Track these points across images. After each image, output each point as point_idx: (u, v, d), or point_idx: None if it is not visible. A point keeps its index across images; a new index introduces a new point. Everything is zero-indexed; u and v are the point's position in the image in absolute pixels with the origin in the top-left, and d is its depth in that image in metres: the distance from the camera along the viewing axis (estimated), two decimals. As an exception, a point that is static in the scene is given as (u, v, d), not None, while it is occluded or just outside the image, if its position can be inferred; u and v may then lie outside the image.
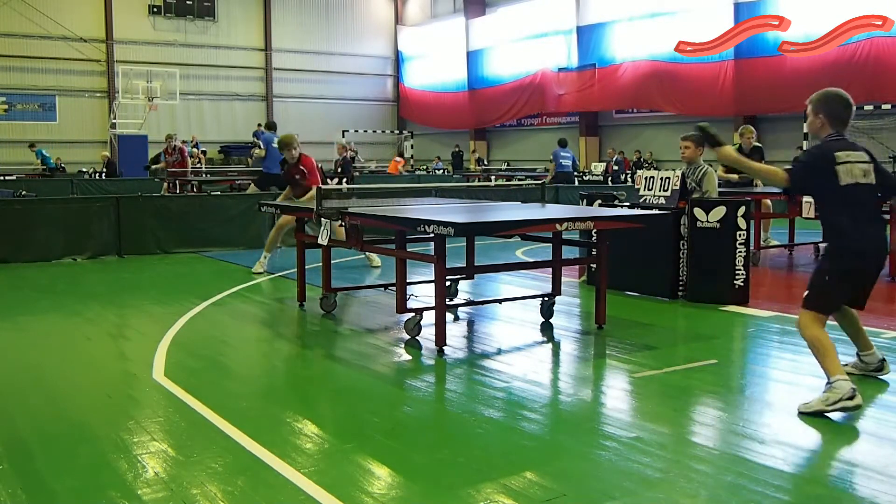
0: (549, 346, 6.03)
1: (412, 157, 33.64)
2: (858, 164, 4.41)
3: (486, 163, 30.98)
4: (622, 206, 8.02)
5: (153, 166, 20.86)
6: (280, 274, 9.19)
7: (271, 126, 15.24)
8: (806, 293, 4.48)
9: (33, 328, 6.69)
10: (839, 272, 4.43)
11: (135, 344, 6.25)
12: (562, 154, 18.81)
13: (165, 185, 18.57)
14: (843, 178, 4.36)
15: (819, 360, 4.30)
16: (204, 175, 21.86)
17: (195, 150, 28.20)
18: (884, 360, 4.85)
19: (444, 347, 5.56)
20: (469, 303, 7.40)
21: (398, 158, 29.88)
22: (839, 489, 3.28)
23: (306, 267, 7.26)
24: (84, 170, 26.19)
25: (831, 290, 4.44)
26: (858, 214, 4.40)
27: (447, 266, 5.51)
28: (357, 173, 21.19)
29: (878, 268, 4.57)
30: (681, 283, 7.52)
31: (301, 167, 9.08)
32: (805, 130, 20.70)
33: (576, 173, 19.93)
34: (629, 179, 20.39)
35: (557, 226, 5.57)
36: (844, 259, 4.42)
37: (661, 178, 7.84)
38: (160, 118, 28.35)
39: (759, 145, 10.47)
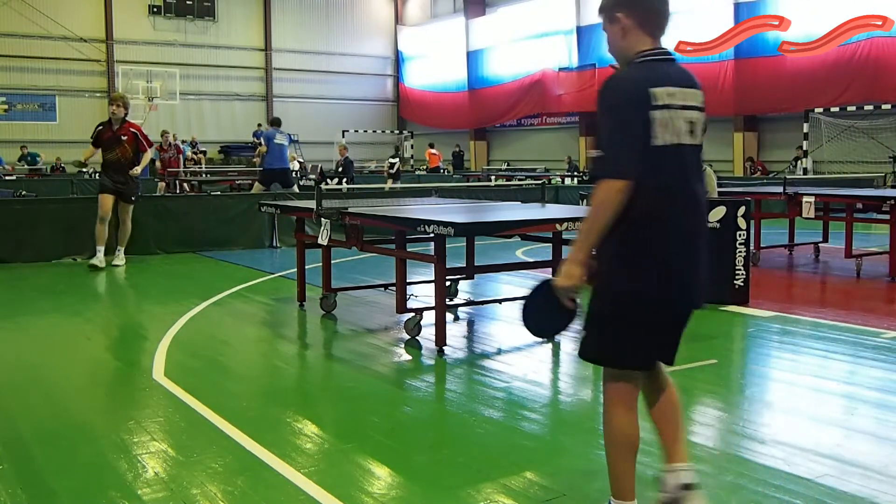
0: (549, 346, 6.02)
1: (412, 156, 33.64)
2: (682, 111, 2.68)
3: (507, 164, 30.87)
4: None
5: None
6: (280, 274, 9.19)
7: (276, 122, 15.12)
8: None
9: (33, 328, 6.69)
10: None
11: (135, 344, 6.25)
12: None
13: (163, 184, 18.58)
14: (661, 132, 2.64)
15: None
16: (204, 175, 21.88)
17: (192, 150, 28.20)
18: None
19: (444, 347, 5.56)
20: (469, 303, 7.40)
21: (434, 151, 29.53)
22: (839, 489, 3.27)
23: (306, 267, 7.26)
24: (84, 170, 26.18)
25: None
26: (677, 217, 2.69)
27: (447, 266, 5.51)
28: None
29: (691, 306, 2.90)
30: (681, 283, 7.50)
31: (131, 130, 9.84)
32: (805, 130, 20.82)
33: None
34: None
35: (557, 226, 5.57)
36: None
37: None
38: (160, 118, 28.34)
39: None
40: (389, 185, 18.89)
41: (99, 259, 9.46)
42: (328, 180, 18.01)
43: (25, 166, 26.10)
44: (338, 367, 5.51)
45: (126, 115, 9.79)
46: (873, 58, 20.19)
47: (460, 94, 33.28)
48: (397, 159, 23.96)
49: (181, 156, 21.56)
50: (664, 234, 2.67)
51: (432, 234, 5.40)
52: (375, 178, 25.58)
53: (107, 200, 9.68)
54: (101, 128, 9.86)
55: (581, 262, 2.66)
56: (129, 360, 5.72)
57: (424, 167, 30.31)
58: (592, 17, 27.64)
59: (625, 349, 2.75)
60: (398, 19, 37.11)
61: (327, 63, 35.08)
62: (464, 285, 8.01)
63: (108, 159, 9.70)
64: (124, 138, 9.67)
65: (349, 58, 35.65)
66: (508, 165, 30.31)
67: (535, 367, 5.35)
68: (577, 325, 2.87)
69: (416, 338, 5.93)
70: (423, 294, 7.19)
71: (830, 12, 20.96)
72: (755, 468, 3.50)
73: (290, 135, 14.64)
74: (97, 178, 22.21)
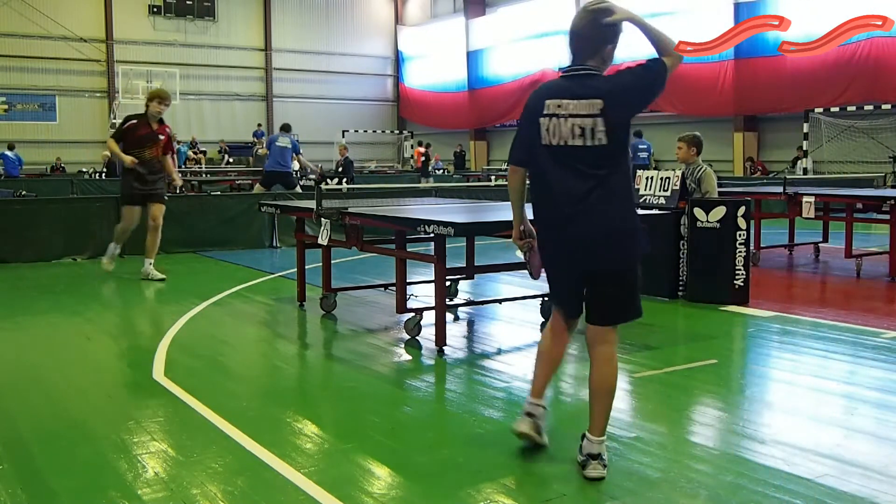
0: (549, 346, 6.02)
1: (412, 157, 33.69)
2: (571, 119, 3.37)
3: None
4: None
5: None
6: (280, 274, 9.19)
7: (286, 128, 15.05)
8: None
9: (33, 328, 6.69)
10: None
11: (135, 344, 6.25)
12: (639, 146, 20.44)
13: None
14: (545, 135, 3.44)
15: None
16: (204, 175, 21.88)
17: (192, 151, 28.19)
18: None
19: (444, 347, 5.56)
20: (469, 303, 7.40)
21: (422, 150, 29.75)
22: (839, 489, 3.28)
23: (306, 267, 7.26)
24: (84, 170, 26.19)
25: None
26: (557, 196, 3.44)
27: (447, 266, 5.51)
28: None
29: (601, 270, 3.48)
30: (681, 283, 7.52)
31: (166, 130, 8.95)
32: (805, 130, 20.83)
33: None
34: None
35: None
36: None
37: (661, 178, 7.84)
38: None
39: None
40: (424, 182, 19.42)
41: (111, 256, 9.00)
42: (328, 180, 18.01)
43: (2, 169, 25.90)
44: (338, 367, 5.51)
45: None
46: (873, 58, 20.17)
47: (460, 94, 33.27)
48: (424, 157, 24.61)
49: (176, 156, 21.55)
50: (546, 209, 3.52)
51: (432, 234, 5.40)
52: (377, 177, 25.60)
53: (136, 214, 8.91)
54: (133, 122, 8.74)
55: (514, 226, 3.76)
56: (129, 360, 5.72)
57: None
58: (592, 17, 27.66)
59: (550, 288, 3.77)
60: (398, 19, 37.11)
61: (327, 63, 35.08)
62: (464, 285, 8.02)
63: (141, 158, 8.68)
64: (161, 138, 8.81)
65: (349, 58, 35.64)
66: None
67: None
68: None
69: (416, 338, 5.93)
70: (423, 294, 7.19)
71: (830, 12, 20.94)
72: (755, 468, 3.50)
73: (293, 139, 14.63)
74: (99, 178, 22.30)
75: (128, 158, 8.62)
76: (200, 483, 3.36)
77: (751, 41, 22.93)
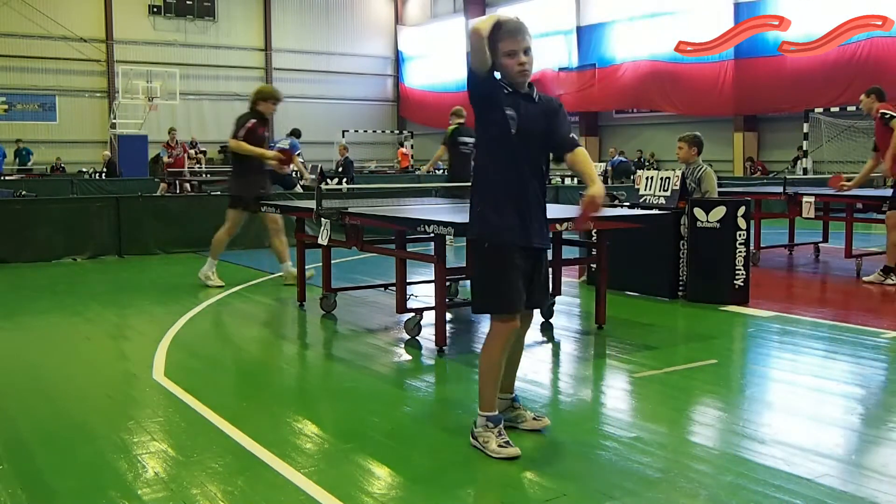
0: (549, 346, 6.02)
1: (412, 157, 33.67)
2: None
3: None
4: (622, 206, 8.02)
5: (164, 161, 20.84)
6: (280, 274, 9.18)
7: (296, 133, 15.16)
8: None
9: (33, 328, 6.69)
10: None
11: (135, 344, 6.25)
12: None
13: (164, 185, 18.59)
14: None
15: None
16: (204, 175, 21.86)
17: (192, 151, 28.20)
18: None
19: (444, 347, 5.56)
20: (469, 303, 7.38)
21: (405, 151, 30.19)
22: (839, 489, 3.28)
23: (306, 267, 7.25)
24: (84, 170, 26.21)
25: None
26: None
27: (447, 266, 5.51)
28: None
29: None
30: (681, 283, 7.52)
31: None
32: (805, 130, 20.82)
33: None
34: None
35: (557, 226, 5.56)
36: None
37: (661, 178, 7.84)
38: (160, 118, 28.35)
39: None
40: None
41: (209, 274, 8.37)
42: (328, 180, 18.01)
43: (16, 165, 26.01)
44: (338, 367, 5.51)
45: None
46: (873, 58, 20.19)
47: (460, 94, 33.19)
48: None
49: (186, 155, 21.62)
50: None
51: (432, 234, 5.40)
52: (377, 177, 25.60)
53: (241, 217, 8.41)
54: (254, 121, 8.27)
55: None
56: (129, 359, 5.72)
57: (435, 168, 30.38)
58: (592, 17, 27.71)
59: None
60: (398, 19, 37.12)
61: (327, 63, 35.09)
62: (464, 285, 8.01)
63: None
64: (266, 135, 8.42)
65: (349, 58, 35.66)
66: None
67: (535, 367, 5.34)
68: None
69: (416, 338, 5.93)
70: (423, 294, 7.18)
71: (830, 12, 20.96)
72: (755, 468, 3.50)
73: (293, 140, 14.69)
74: (99, 178, 22.29)
75: (273, 154, 8.19)
76: (200, 483, 3.36)
77: (751, 41, 22.95)
